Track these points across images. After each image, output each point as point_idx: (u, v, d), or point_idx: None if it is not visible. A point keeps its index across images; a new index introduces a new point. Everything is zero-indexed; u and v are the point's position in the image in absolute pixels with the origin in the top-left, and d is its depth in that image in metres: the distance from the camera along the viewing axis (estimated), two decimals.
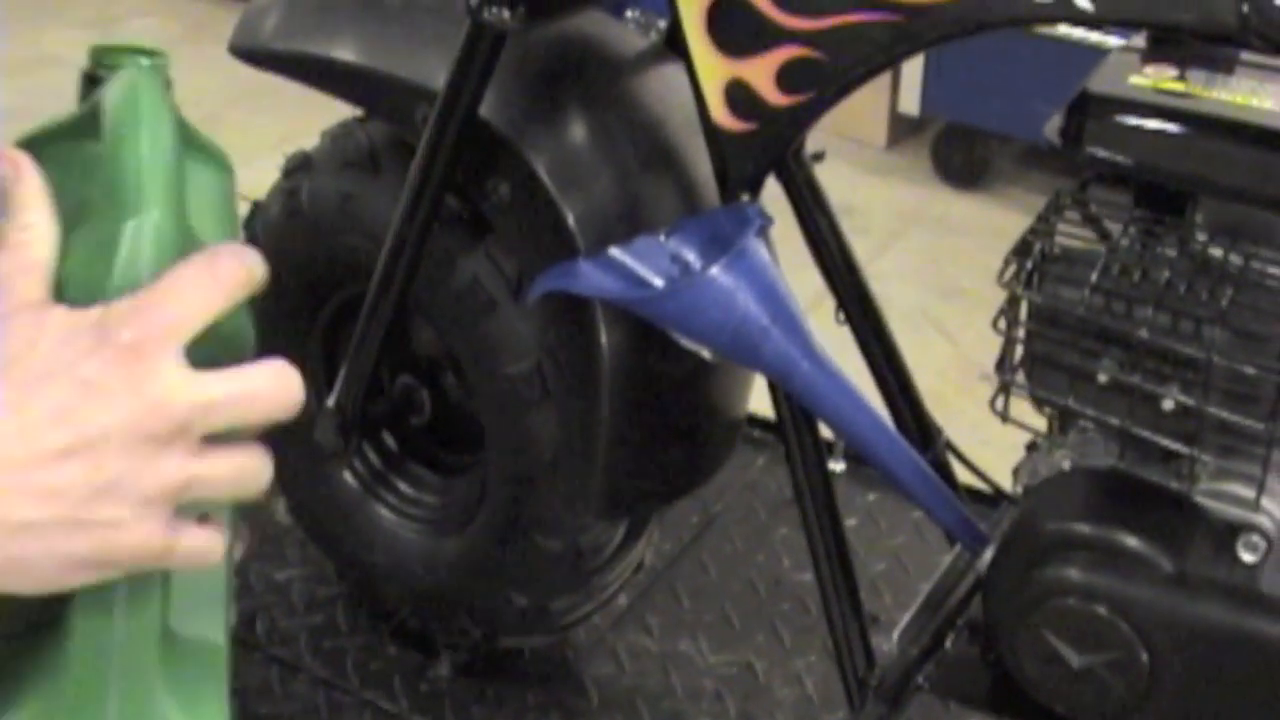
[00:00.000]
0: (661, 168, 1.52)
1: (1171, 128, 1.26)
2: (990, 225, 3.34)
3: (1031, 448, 1.45)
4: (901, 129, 3.72)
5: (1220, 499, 1.29)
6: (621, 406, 1.53)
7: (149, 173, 0.68)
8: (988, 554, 1.41)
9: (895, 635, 1.50)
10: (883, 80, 3.56)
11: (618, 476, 1.58)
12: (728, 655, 1.85)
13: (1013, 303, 1.30)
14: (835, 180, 3.80)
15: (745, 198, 1.42)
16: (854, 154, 3.65)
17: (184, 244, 0.68)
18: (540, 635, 1.81)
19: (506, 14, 1.41)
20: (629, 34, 1.57)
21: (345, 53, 1.59)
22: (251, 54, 1.66)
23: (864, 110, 3.61)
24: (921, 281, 3.20)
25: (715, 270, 1.29)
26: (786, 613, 1.88)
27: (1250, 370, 1.21)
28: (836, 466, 2.03)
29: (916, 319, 3.05)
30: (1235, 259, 1.25)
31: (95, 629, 0.68)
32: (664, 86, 1.53)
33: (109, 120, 0.70)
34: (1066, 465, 1.38)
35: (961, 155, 3.56)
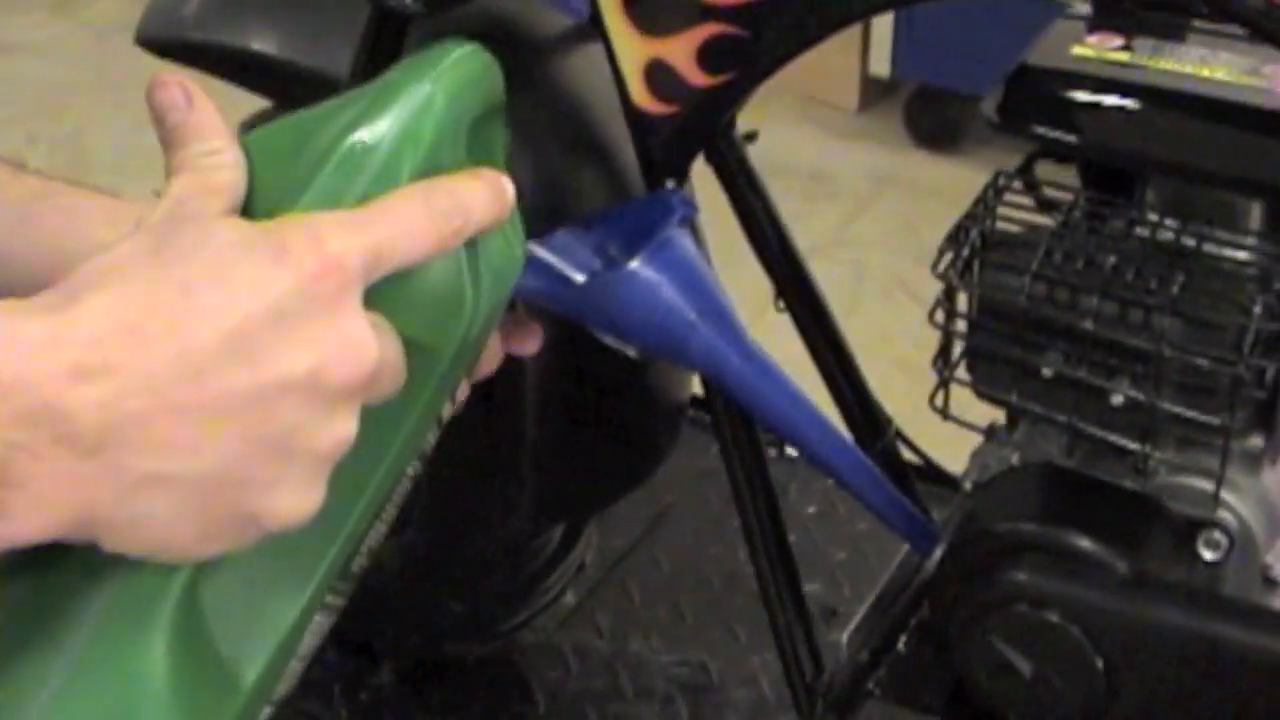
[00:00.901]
0: (583, 155, 1.44)
1: (1115, 101, 1.18)
2: (964, 188, 3.23)
3: (990, 434, 1.38)
4: (873, 92, 3.63)
5: (1178, 495, 1.22)
6: (550, 406, 1.46)
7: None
8: (937, 553, 1.34)
9: (844, 637, 1.43)
10: (853, 42, 3.49)
11: (550, 478, 1.51)
12: (680, 654, 1.77)
13: (949, 293, 1.22)
14: (806, 145, 3.71)
15: (670, 184, 1.34)
16: (825, 118, 3.57)
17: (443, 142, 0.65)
18: (481, 642, 1.75)
19: None
20: (548, 14, 1.49)
21: (254, 42, 1.52)
22: (161, 45, 1.58)
23: (834, 73, 3.53)
24: (895, 247, 3.12)
25: (635, 264, 1.21)
26: (741, 608, 1.81)
27: (1204, 362, 1.14)
28: (794, 451, 1.95)
29: (890, 286, 2.97)
30: (1187, 241, 1.18)
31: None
32: (587, 68, 1.45)
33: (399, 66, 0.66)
34: (1015, 460, 1.31)
35: (934, 118, 3.48)
